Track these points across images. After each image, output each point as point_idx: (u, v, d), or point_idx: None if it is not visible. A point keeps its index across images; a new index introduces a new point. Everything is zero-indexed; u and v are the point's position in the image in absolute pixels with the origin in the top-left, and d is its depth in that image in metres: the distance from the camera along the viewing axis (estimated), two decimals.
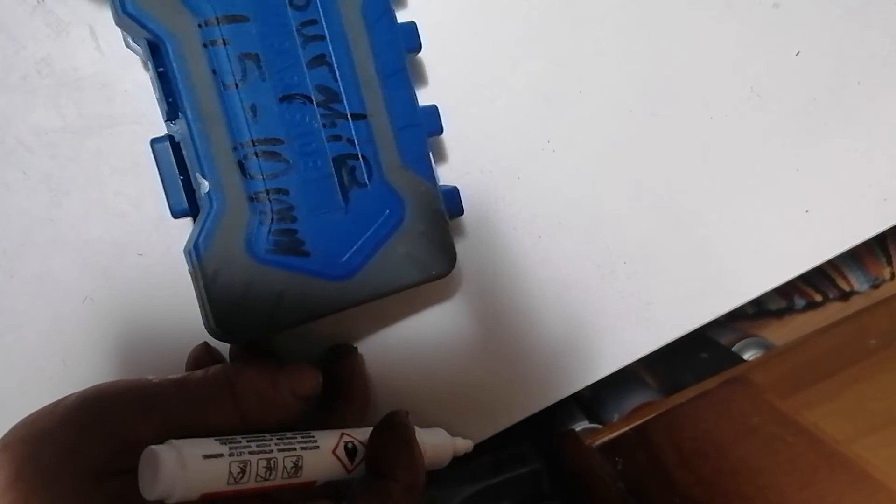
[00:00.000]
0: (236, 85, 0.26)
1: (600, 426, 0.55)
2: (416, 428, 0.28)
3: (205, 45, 0.25)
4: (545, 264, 0.33)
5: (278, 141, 0.26)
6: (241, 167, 0.26)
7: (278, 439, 0.24)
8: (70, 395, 0.25)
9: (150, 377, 0.25)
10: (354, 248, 0.27)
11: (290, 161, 0.26)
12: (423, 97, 0.32)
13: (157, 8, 0.25)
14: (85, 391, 0.24)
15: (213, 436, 0.24)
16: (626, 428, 0.52)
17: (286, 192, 0.26)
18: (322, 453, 0.25)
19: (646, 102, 0.32)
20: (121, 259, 0.32)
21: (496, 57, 0.32)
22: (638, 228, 0.33)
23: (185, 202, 0.27)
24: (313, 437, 0.26)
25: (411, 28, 0.28)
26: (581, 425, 0.55)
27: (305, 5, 0.27)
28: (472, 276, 0.33)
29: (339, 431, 0.27)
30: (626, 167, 0.33)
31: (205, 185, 0.26)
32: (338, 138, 0.27)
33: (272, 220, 0.26)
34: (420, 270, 0.28)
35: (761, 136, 0.33)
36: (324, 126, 0.27)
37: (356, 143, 0.27)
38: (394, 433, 0.26)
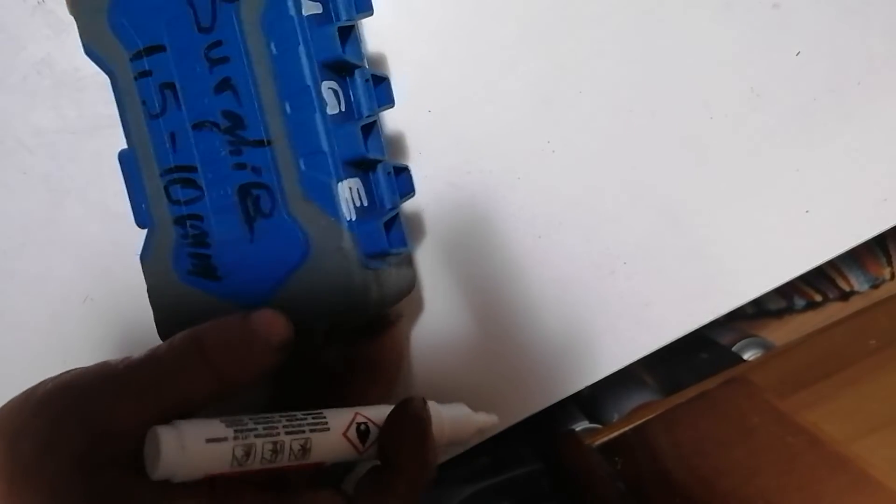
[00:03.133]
0: (160, 114, 0.26)
1: (600, 426, 0.55)
2: (435, 404, 0.27)
3: (135, 78, 0.26)
4: (545, 264, 0.33)
5: (192, 168, 0.26)
6: (167, 192, 0.27)
7: (287, 420, 0.24)
8: (43, 382, 0.24)
9: (114, 361, 0.24)
10: (260, 279, 0.26)
11: (203, 188, 0.27)
12: (423, 98, 0.32)
13: (101, 46, 0.27)
14: (57, 380, 0.24)
15: (192, 405, 0.24)
16: (626, 428, 0.52)
17: (200, 219, 0.27)
18: (332, 435, 0.25)
19: (646, 102, 0.32)
20: (120, 259, 0.32)
21: (496, 57, 0.32)
22: (638, 228, 0.33)
23: (145, 215, 0.27)
24: (324, 417, 0.25)
25: (327, 34, 0.25)
26: (581, 425, 0.55)
27: (211, 27, 0.26)
28: (472, 277, 0.33)
29: (352, 411, 0.26)
30: (626, 167, 0.33)
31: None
32: (243, 166, 0.26)
33: (189, 243, 0.27)
34: (323, 310, 0.26)
35: (761, 136, 0.33)
36: (230, 153, 0.26)
37: (260, 171, 0.26)
38: (409, 426, 0.25)
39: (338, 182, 0.25)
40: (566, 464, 0.52)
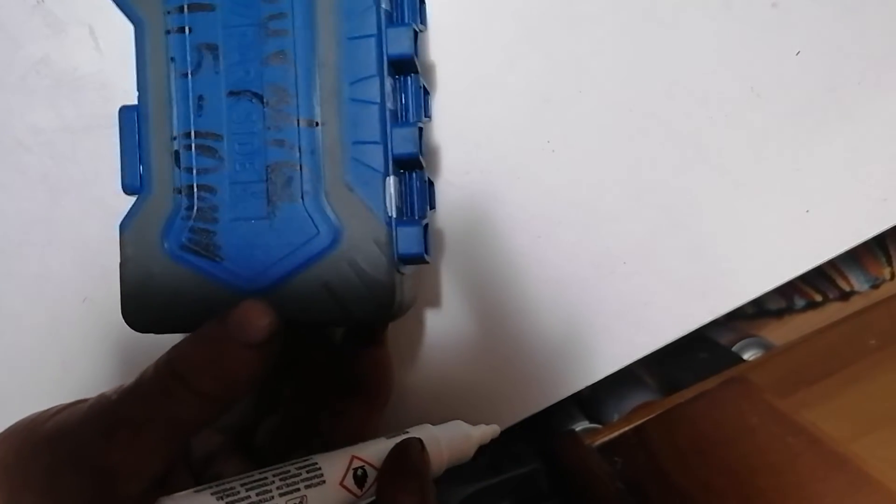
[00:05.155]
0: (190, 74, 0.25)
1: (600, 426, 0.55)
2: (431, 428, 0.27)
3: (167, 32, 0.25)
4: (544, 264, 0.33)
5: (217, 136, 0.25)
6: (177, 157, 0.25)
7: (280, 480, 0.23)
8: (40, 419, 0.24)
9: (108, 393, 0.23)
10: (270, 264, 0.25)
11: (225, 159, 0.25)
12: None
13: None
14: (54, 422, 0.23)
15: (187, 430, 0.23)
16: (626, 428, 0.52)
17: (213, 191, 0.25)
18: (328, 488, 0.24)
19: (645, 102, 0.32)
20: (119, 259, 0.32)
21: (495, 57, 0.32)
22: (637, 228, 0.33)
23: (139, 179, 0.26)
24: (319, 469, 0.24)
25: (402, 32, 0.25)
26: (580, 425, 0.55)
27: None
28: (471, 277, 0.33)
29: (348, 454, 0.25)
30: (626, 167, 0.33)
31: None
32: (280, 143, 0.25)
33: (193, 216, 0.25)
34: (340, 309, 0.24)
35: (761, 135, 0.33)
36: (268, 128, 0.25)
37: (300, 151, 0.25)
38: (407, 478, 0.25)
39: (385, 177, 0.24)
40: (566, 464, 0.52)
